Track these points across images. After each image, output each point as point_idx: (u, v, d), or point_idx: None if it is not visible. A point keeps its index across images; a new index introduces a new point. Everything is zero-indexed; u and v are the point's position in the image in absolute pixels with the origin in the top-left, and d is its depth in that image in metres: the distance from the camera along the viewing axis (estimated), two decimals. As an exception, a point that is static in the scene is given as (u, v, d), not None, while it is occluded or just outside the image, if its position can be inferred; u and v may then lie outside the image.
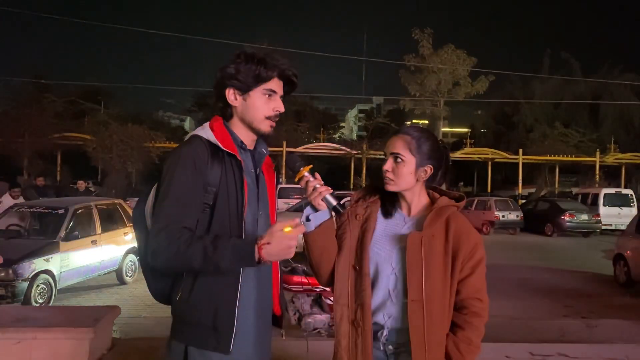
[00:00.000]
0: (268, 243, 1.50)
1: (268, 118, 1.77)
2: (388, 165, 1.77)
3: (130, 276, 9.00)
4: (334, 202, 1.73)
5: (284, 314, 1.99)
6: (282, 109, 1.79)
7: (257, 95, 1.75)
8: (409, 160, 1.75)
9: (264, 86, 1.75)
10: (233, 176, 1.69)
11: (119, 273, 8.80)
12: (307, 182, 1.73)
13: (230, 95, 1.76)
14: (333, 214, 1.77)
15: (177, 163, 1.66)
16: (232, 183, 1.69)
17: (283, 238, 1.50)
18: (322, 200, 1.72)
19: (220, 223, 1.67)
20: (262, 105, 1.76)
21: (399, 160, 1.75)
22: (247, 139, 1.81)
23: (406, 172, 1.75)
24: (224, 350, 1.64)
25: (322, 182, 1.74)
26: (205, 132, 1.73)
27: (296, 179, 1.77)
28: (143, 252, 1.82)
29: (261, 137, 1.84)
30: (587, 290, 9.17)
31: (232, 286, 1.66)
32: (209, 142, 1.70)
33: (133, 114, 35.52)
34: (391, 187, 1.78)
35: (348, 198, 1.93)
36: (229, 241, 1.55)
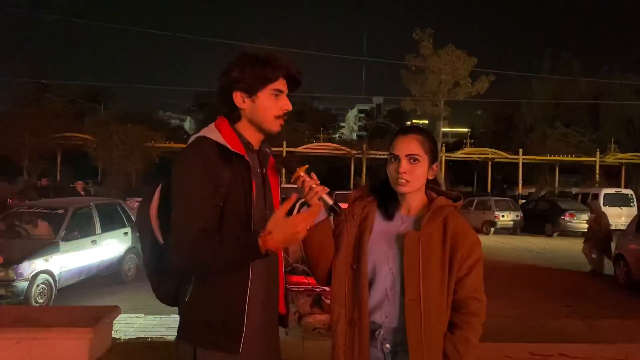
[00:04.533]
0: (270, 232, 1.52)
1: (278, 117, 1.79)
2: (405, 167, 1.75)
3: (130, 276, 9.00)
4: (330, 202, 1.72)
5: (289, 313, 2.00)
6: (290, 107, 1.81)
7: (265, 96, 1.76)
8: (424, 160, 1.76)
9: (271, 87, 1.76)
10: (242, 177, 1.70)
11: (118, 273, 8.81)
12: (303, 182, 1.73)
13: (238, 98, 1.76)
14: (330, 213, 1.77)
15: (188, 166, 1.66)
16: (240, 184, 1.69)
17: (286, 225, 1.53)
18: (318, 199, 1.72)
19: (229, 224, 1.67)
20: (270, 105, 1.77)
21: (416, 161, 1.75)
22: (254, 139, 1.82)
23: (421, 173, 1.76)
24: (234, 350, 1.64)
25: (319, 182, 1.74)
26: (213, 133, 1.73)
27: (292, 179, 1.78)
28: (148, 255, 1.81)
29: (268, 136, 1.84)
30: (587, 290, 9.17)
31: (241, 286, 1.67)
32: (217, 143, 1.70)
33: (133, 114, 35.51)
34: (406, 189, 1.77)
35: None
36: (233, 236, 1.59)
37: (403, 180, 1.74)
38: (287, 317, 1.95)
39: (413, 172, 1.75)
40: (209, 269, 1.61)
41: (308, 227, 1.57)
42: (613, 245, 10.15)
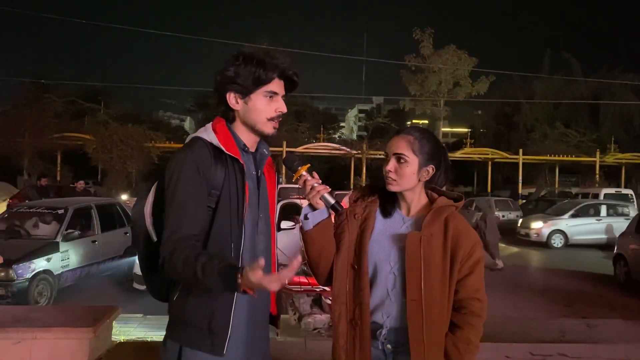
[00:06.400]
0: (243, 283, 1.46)
1: (270, 120, 1.76)
2: (391, 165, 1.76)
3: (129, 276, 8.99)
4: (332, 201, 1.73)
5: (280, 314, 1.99)
6: (285, 109, 1.77)
7: (259, 98, 1.73)
8: (412, 161, 1.75)
9: (264, 88, 1.73)
10: (235, 180, 1.68)
11: (118, 273, 8.80)
12: (305, 181, 1.73)
13: (231, 99, 1.74)
14: (331, 212, 1.77)
15: (181, 167, 1.65)
16: (234, 187, 1.68)
17: (256, 284, 1.45)
18: (320, 199, 1.72)
19: (221, 226, 1.66)
20: (263, 107, 1.74)
21: (402, 160, 1.75)
22: (250, 140, 1.80)
23: (409, 173, 1.76)
24: (218, 352, 1.64)
25: (320, 181, 1.74)
26: (208, 134, 1.72)
27: (294, 179, 1.78)
28: (142, 251, 1.82)
29: (264, 138, 1.83)
30: (587, 290, 9.17)
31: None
32: (211, 144, 1.69)
33: (133, 114, 35.47)
34: (394, 188, 1.78)
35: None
36: (216, 269, 1.50)
37: (390, 179, 1.77)
38: (278, 318, 1.95)
39: (399, 171, 1.76)
40: (190, 285, 1.61)
41: (282, 284, 1.49)
42: (616, 247, 10.12)
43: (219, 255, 1.59)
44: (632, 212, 15.86)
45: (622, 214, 15.83)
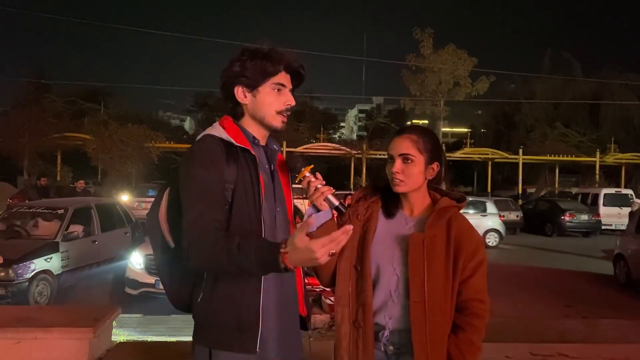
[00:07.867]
0: (286, 252, 1.39)
1: (279, 113, 1.75)
2: (397, 166, 1.74)
3: (130, 276, 8.99)
4: (336, 202, 1.71)
5: (310, 315, 1.95)
6: (293, 102, 1.77)
7: (267, 91, 1.73)
8: (418, 160, 1.74)
9: (272, 80, 1.73)
10: (248, 171, 1.66)
11: (118, 272, 8.81)
12: (308, 182, 1.71)
13: (240, 93, 1.73)
14: (335, 213, 1.76)
15: (193, 161, 1.62)
16: (247, 178, 1.65)
17: (303, 250, 1.36)
18: (324, 200, 1.71)
19: (239, 220, 1.63)
20: (272, 100, 1.73)
21: (408, 160, 1.74)
22: (259, 134, 1.79)
23: (416, 172, 1.75)
24: (251, 350, 1.60)
25: (324, 182, 1.72)
26: (217, 130, 1.71)
27: (297, 180, 1.76)
28: (160, 260, 1.78)
29: (273, 132, 1.81)
30: (587, 290, 9.17)
31: (254, 285, 1.62)
32: (221, 139, 1.67)
33: (133, 114, 35.45)
34: (401, 188, 1.76)
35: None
36: (253, 245, 1.45)
37: (397, 180, 1.75)
38: (309, 320, 1.90)
39: (406, 171, 1.74)
40: (222, 269, 1.53)
41: (330, 253, 1.37)
42: (616, 247, 10.11)
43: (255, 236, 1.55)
44: (490, 209, 15.62)
45: (483, 211, 15.63)
